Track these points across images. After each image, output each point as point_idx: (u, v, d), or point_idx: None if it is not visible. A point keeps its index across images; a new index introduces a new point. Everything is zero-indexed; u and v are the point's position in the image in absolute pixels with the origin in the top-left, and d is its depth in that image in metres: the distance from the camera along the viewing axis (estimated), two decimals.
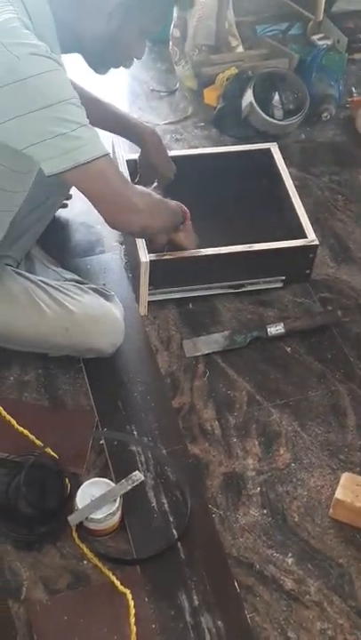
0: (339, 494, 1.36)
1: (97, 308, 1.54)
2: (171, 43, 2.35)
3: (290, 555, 1.34)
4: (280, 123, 2.15)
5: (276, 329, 1.66)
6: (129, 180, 1.67)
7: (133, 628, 1.21)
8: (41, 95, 1.20)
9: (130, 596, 1.24)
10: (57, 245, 1.81)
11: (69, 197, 1.85)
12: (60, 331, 1.51)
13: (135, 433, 1.49)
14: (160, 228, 1.56)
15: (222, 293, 1.76)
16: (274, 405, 1.56)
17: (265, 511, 1.40)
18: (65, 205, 1.86)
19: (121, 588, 1.26)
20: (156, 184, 1.72)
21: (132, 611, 1.23)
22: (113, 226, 1.43)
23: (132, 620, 1.22)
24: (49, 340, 1.53)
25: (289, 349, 1.67)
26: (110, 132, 1.73)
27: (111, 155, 1.86)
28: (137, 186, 1.51)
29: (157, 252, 1.64)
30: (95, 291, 1.57)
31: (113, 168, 1.35)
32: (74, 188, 1.76)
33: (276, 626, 1.25)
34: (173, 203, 1.57)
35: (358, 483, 1.38)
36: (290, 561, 1.33)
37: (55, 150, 1.24)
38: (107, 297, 1.57)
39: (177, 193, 1.72)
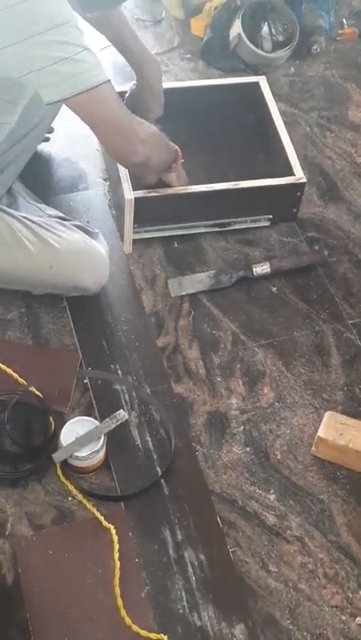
0: (321, 432, 1.38)
1: (81, 245, 1.51)
2: None
3: (272, 491, 1.36)
4: (269, 55, 2.09)
5: (261, 268, 1.65)
6: None
7: (117, 563, 1.23)
8: (40, 18, 1.15)
9: (114, 532, 1.26)
10: (39, 181, 1.76)
11: (52, 131, 1.80)
12: (44, 268, 1.48)
13: (119, 372, 1.49)
14: (159, 163, 1.52)
15: (208, 232, 1.74)
16: (258, 345, 1.56)
17: (248, 449, 1.41)
18: (47, 139, 1.81)
19: (105, 523, 1.28)
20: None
21: (116, 546, 1.25)
22: (115, 156, 1.40)
23: (116, 554, 1.24)
24: (33, 277, 1.50)
25: (275, 289, 1.66)
26: (113, 45, 1.65)
27: None
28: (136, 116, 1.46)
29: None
30: (79, 228, 1.54)
31: (116, 95, 1.31)
32: (57, 121, 1.73)
33: (257, 560, 1.28)
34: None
35: (341, 421, 1.39)
36: (272, 497, 1.35)
37: (57, 76, 1.19)
38: (91, 234, 1.54)
39: (162, 127, 1.67)
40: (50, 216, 1.57)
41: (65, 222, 1.54)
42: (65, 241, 1.49)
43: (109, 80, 1.26)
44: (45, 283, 1.52)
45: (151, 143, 1.41)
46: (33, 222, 1.49)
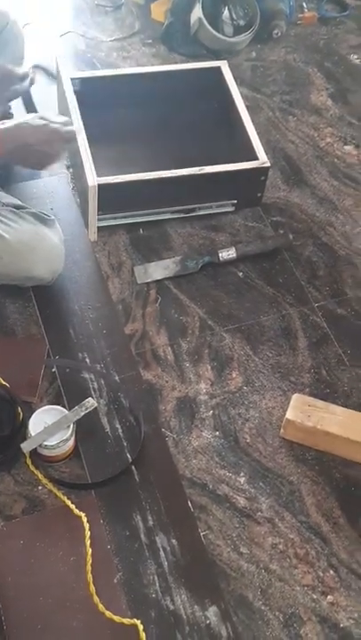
0: (289, 414, 1.39)
1: (32, 235, 1.47)
2: None
3: (242, 474, 1.37)
4: (230, 39, 2.09)
5: (227, 254, 1.65)
6: None
7: (89, 550, 1.23)
8: None
9: (85, 519, 1.26)
10: (0, 169, 1.74)
11: (11, 116, 1.77)
12: None
13: (87, 360, 1.48)
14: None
15: (173, 218, 1.73)
16: (226, 330, 1.57)
17: (217, 433, 1.42)
18: None
19: (76, 511, 1.27)
20: None
21: (88, 533, 1.25)
22: None
23: (88, 541, 1.24)
24: None
25: (241, 274, 1.66)
26: None
27: (55, 73, 1.80)
28: None
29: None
30: (34, 215, 1.51)
31: None
32: (16, 104, 1.70)
33: (228, 542, 1.29)
34: None
35: (308, 403, 1.41)
36: (242, 480, 1.36)
37: None
38: (45, 222, 1.51)
39: (125, 113, 1.67)
40: (4, 205, 1.54)
41: (18, 211, 1.50)
42: (15, 231, 1.46)
43: None
44: None
45: None
46: None
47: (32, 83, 1.59)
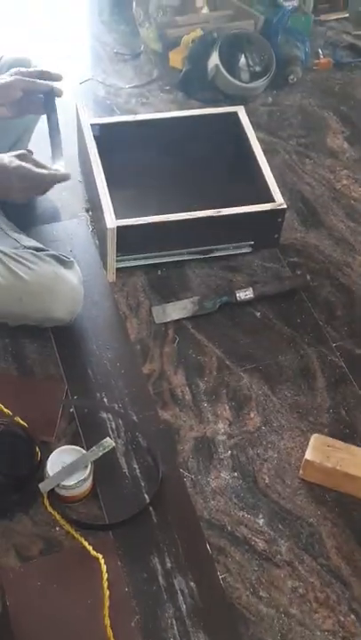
0: (308, 455, 1.38)
1: (51, 277, 1.49)
2: (134, 4, 2.30)
3: (261, 516, 1.36)
4: (246, 85, 2.13)
5: (245, 294, 1.66)
6: None
7: (106, 592, 1.22)
8: None
9: (102, 561, 1.25)
10: (22, 212, 1.77)
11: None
12: (14, 301, 1.47)
13: (105, 400, 1.48)
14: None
15: (191, 259, 1.75)
16: (244, 370, 1.57)
17: (236, 474, 1.41)
18: None
19: (93, 552, 1.26)
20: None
21: (105, 575, 1.24)
22: None
23: (105, 583, 1.23)
24: (3, 309, 1.49)
25: (258, 314, 1.67)
26: None
27: (75, 120, 1.85)
28: None
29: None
30: (53, 257, 1.53)
31: None
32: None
33: (248, 585, 1.27)
34: None
35: (328, 443, 1.39)
36: (261, 522, 1.35)
37: None
38: (65, 263, 1.53)
39: (143, 158, 1.70)
40: (25, 247, 1.57)
41: (38, 253, 1.53)
42: (35, 273, 1.48)
43: None
44: (16, 315, 1.51)
45: None
46: (5, 255, 1.49)
47: (59, 94, 1.61)
